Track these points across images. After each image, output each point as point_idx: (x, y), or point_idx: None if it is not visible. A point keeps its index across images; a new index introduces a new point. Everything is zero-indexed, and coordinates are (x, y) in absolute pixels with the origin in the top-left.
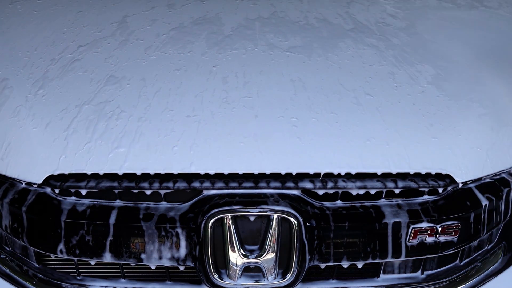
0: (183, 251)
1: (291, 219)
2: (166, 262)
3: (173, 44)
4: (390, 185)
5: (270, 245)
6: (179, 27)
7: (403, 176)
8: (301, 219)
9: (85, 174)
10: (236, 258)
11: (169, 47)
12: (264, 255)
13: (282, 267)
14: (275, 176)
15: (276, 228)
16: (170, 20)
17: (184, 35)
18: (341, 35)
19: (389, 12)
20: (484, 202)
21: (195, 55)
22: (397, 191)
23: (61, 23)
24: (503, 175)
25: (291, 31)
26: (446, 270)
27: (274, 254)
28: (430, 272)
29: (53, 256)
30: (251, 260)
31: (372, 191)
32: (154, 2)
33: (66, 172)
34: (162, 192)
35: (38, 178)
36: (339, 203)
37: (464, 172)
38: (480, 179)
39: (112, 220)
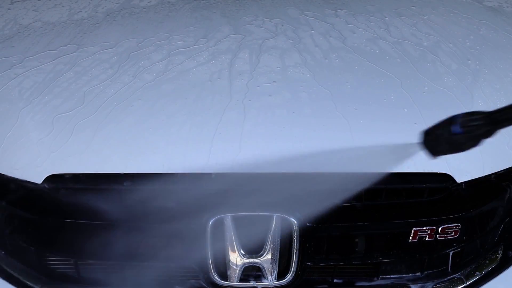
0: (183, 251)
1: (291, 219)
2: (166, 262)
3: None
4: (390, 185)
5: (269, 245)
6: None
7: (404, 176)
8: (301, 219)
9: (85, 174)
10: (236, 258)
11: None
12: (263, 255)
13: (282, 267)
14: (276, 176)
15: (276, 228)
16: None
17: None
18: (341, 34)
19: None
20: (484, 202)
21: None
22: (397, 191)
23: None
24: (503, 174)
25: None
26: (446, 270)
27: (273, 255)
28: (430, 272)
29: (52, 256)
30: (251, 260)
31: (372, 191)
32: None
33: (66, 172)
34: (162, 192)
35: (38, 178)
36: (339, 203)
37: (464, 172)
38: (480, 179)
39: (112, 220)
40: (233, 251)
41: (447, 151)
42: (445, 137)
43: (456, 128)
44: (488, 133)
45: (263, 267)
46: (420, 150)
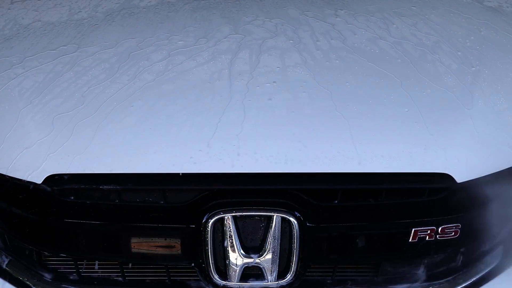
0: (183, 251)
1: (291, 219)
2: (166, 262)
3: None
4: (390, 185)
5: (270, 245)
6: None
7: (403, 176)
8: (301, 219)
9: (85, 174)
10: (236, 258)
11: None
12: (264, 255)
13: (282, 267)
14: (276, 176)
15: (276, 228)
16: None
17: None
18: (341, 34)
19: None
20: (484, 202)
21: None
22: (397, 191)
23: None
24: (503, 174)
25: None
26: (446, 270)
27: (274, 254)
28: (430, 272)
29: (53, 256)
30: (251, 260)
31: (372, 191)
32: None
33: (66, 172)
34: (162, 192)
35: (38, 178)
36: (339, 203)
37: (464, 172)
38: (480, 178)
39: (112, 220)
40: (233, 251)
41: None
42: None
43: None
44: None
45: (263, 267)
46: None
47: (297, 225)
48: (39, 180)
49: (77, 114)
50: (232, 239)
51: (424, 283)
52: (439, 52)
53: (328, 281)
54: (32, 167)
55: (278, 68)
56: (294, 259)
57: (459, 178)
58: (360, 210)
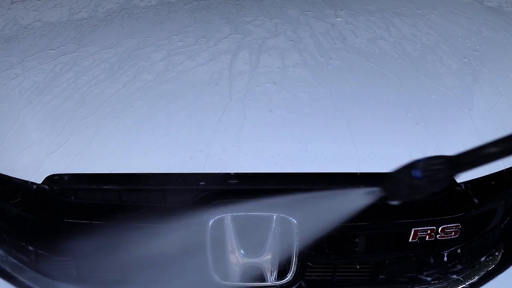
0: (183, 251)
1: (291, 219)
2: (165, 262)
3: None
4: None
5: (269, 245)
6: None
7: None
8: (301, 219)
9: (85, 174)
10: (235, 258)
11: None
12: (263, 255)
13: (282, 267)
14: (275, 176)
15: (276, 228)
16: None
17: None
18: (341, 34)
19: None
20: (484, 202)
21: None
22: None
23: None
24: (503, 175)
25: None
26: (446, 270)
27: (273, 254)
28: (430, 272)
29: (52, 256)
30: (251, 260)
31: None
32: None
33: (66, 172)
34: (162, 192)
35: (38, 178)
36: None
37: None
38: (480, 179)
39: (112, 220)
40: (233, 251)
41: (407, 196)
42: (405, 181)
43: (417, 173)
44: (450, 177)
45: (263, 267)
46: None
47: (297, 225)
48: (39, 180)
49: (77, 114)
50: (232, 239)
51: (424, 283)
52: (439, 52)
53: (328, 281)
54: (32, 167)
55: (278, 68)
56: (294, 259)
57: (459, 179)
58: (360, 210)
